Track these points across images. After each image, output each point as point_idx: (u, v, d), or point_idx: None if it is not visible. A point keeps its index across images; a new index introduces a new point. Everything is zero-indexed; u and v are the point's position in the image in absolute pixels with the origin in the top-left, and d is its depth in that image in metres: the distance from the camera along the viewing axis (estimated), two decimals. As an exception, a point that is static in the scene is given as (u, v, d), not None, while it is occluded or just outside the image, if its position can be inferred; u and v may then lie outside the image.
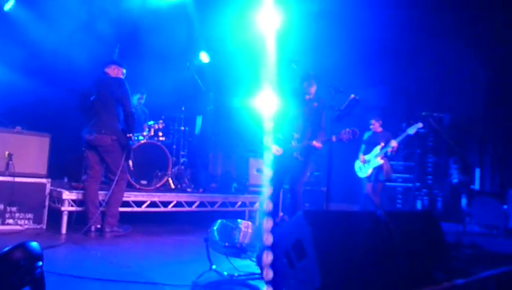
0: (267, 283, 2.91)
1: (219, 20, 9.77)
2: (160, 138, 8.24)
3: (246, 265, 4.17)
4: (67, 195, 6.11)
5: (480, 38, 9.78)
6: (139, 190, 7.23)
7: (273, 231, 2.97)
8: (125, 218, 6.41)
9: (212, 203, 7.65)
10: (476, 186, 10.06)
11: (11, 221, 5.86)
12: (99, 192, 6.21)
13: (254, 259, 3.95)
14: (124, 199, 6.43)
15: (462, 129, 10.33)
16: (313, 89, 6.39)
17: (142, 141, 7.72)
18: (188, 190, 8.14)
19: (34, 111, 7.90)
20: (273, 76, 3.02)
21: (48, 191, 6.18)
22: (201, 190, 8.17)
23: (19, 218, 5.92)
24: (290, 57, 6.33)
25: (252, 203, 8.19)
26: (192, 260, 4.80)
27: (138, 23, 9.29)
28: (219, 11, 9.75)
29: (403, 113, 10.39)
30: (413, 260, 3.63)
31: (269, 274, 2.88)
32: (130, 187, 7.09)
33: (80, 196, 6.19)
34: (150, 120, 8.49)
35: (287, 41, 6.46)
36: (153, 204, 6.98)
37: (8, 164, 5.91)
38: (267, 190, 3.03)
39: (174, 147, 8.81)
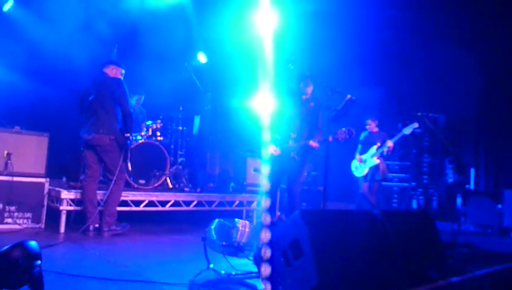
0: (265, 280, 2.94)
1: (217, 21, 9.78)
2: (158, 138, 8.23)
3: (243, 264, 4.17)
4: (65, 194, 6.12)
5: (475, 39, 9.83)
6: (137, 190, 7.24)
7: (270, 230, 3.01)
8: (124, 217, 6.40)
9: (210, 203, 7.66)
10: (471, 186, 10.10)
11: (9, 220, 5.87)
12: (98, 191, 6.22)
13: (251, 258, 3.96)
14: (122, 198, 6.45)
15: (457, 129, 10.36)
16: (310, 89, 6.41)
17: (140, 141, 7.72)
18: (186, 189, 8.17)
19: (32, 111, 7.93)
20: (270, 76, 3.05)
21: (46, 190, 6.19)
22: (199, 190, 8.19)
23: (17, 217, 5.93)
24: (287, 57, 6.33)
25: (250, 203, 8.19)
26: (190, 259, 4.83)
27: (137, 23, 9.28)
28: (217, 12, 9.77)
29: (398, 113, 10.44)
30: (409, 258, 3.66)
31: (267, 271, 2.90)
32: (128, 187, 7.09)
33: (78, 196, 6.19)
34: (148, 120, 8.50)
35: (284, 41, 6.48)
36: (151, 203, 6.99)
37: (6, 164, 5.92)
38: (265, 187, 3.07)
39: (172, 146, 8.84)
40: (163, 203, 7.15)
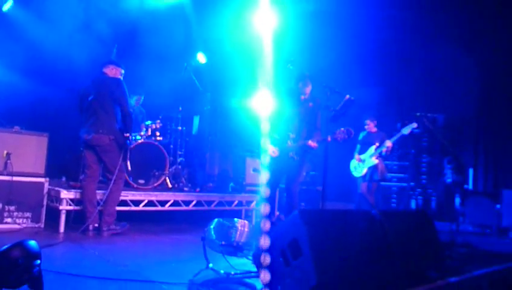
0: (263, 280, 2.94)
1: (216, 21, 9.79)
2: (158, 138, 8.24)
3: (243, 263, 4.18)
4: (65, 194, 6.13)
5: (474, 40, 9.84)
6: (136, 189, 7.24)
7: (269, 230, 3.01)
8: (123, 217, 6.41)
9: (209, 203, 7.67)
10: (470, 186, 10.12)
11: (9, 220, 5.88)
12: (97, 191, 6.23)
13: (250, 257, 3.97)
14: (122, 198, 6.45)
15: (456, 129, 10.37)
16: (308, 89, 6.42)
17: (140, 141, 7.72)
18: (185, 189, 8.18)
19: (32, 111, 7.94)
20: (270, 76, 3.05)
21: (46, 190, 6.20)
22: (198, 189, 8.20)
23: (17, 217, 5.94)
24: (286, 57, 6.34)
25: (249, 203, 8.20)
26: (189, 259, 4.83)
27: (136, 23, 9.29)
28: (216, 12, 9.78)
29: (397, 113, 10.45)
30: (408, 258, 3.66)
31: (266, 276, 2.91)
32: (128, 186, 7.10)
33: (78, 195, 6.20)
34: (147, 120, 8.51)
35: (283, 42, 6.49)
36: (150, 203, 7.00)
37: (6, 163, 5.93)
38: (264, 192, 3.06)
39: (172, 146, 8.84)
40: (163, 203, 7.16)
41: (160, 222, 7.44)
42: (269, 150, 5.95)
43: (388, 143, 8.23)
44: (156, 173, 7.81)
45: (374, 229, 3.57)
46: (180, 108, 8.91)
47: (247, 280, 3.93)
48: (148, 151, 7.77)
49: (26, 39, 8.33)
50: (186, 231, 7.02)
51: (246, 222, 4.21)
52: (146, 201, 6.95)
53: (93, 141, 5.97)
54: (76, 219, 6.11)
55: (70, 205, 6.18)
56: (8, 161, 5.94)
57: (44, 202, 6.19)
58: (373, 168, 8.43)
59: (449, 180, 9.50)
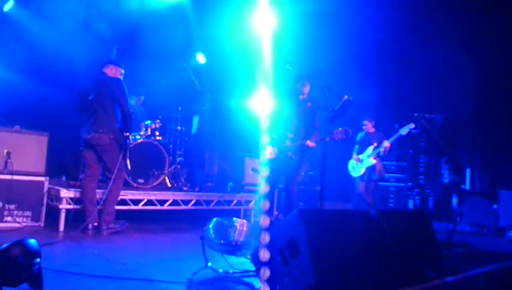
0: (262, 278, 2.96)
1: (216, 21, 9.80)
2: (157, 138, 8.27)
3: (241, 262, 4.19)
4: (65, 193, 6.15)
5: (472, 40, 9.86)
6: (136, 189, 7.27)
7: (268, 228, 3.03)
8: (122, 216, 6.42)
9: (208, 202, 7.70)
10: (467, 186, 10.13)
11: (9, 218, 5.90)
12: (97, 190, 6.25)
13: (249, 257, 3.98)
14: (121, 197, 6.48)
15: (453, 130, 10.38)
16: (307, 89, 6.45)
17: (139, 140, 7.74)
18: (184, 188, 8.20)
19: (32, 110, 7.95)
20: (269, 77, 3.06)
21: (46, 189, 6.22)
22: (197, 189, 8.21)
23: (17, 215, 5.96)
24: (285, 58, 6.36)
25: (247, 202, 8.24)
26: (188, 258, 4.84)
27: (136, 24, 9.31)
28: (216, 13, 9.79)
29: (395, 114, 10.45)
30: (405, 258, 3.67)
31: (266, 273, 2.93)
32: (127, 186, 7.12)
33: (78, 194, 6.22)
34: (146, 120, 8.53)
35: (282, 42, 6.51)
36: (149, 202, 7.03)
37: (6, 162, 5.96)
38: (263, 189, 3.07)
39: (171, 146, 8.87)
40: (162, 202, 7.18)
41: (160, 221, 7.45)
42: (267, 151, 5.96)
43: (386, 143, 8.25)
44: (156, 173, 7.83)
45: (371, 229, 3.57)
46: (180, 108, 8.93)
47: (246, 279, 3.94)
48: (147, 150, 7.79)
49: (26, 39, 8.36)
50: (185, 230, 7.03)
51: (245, 221, 4.20)
52: (145, 200, 6.97)
53: (93, 140, 6.00)
54: (76, 218, 6.13)
55: (70, 204, 6.20)
56: (9, 160, 5.97)
57: (44, 201, 6.21)
58: (371, 168, 8.45)
59: (446, 180, 9.51)
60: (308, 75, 6.51)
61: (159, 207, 7.14)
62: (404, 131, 8.25)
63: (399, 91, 10.86)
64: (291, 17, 8.70)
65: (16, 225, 5.94)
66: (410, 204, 10.16)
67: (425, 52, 10.39)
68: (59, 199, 6.16)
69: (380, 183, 9.32)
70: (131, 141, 6.76)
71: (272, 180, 6.19)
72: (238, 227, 4.10)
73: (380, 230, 3.59)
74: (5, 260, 3.00)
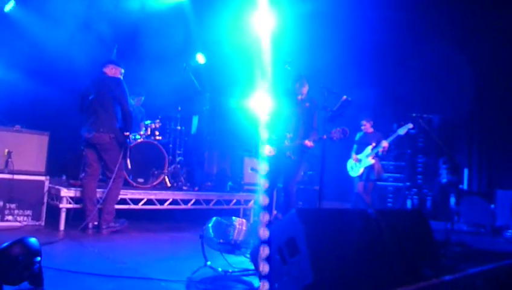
0: (262, 277, 2.98)
1: (215, 22, 9.81)
2: (157, 137, 8.27)
3: (240, 261, 4.23)
4: (65, 192, 6.17)
5: (469, 40, 9.87)
6: (135, 188, 7.29)
7: (267, 226, 3.05)
8: (122, 215, 6.43)
9: (208, 201, 7.72)
10: (465, 186, 10.13)
11: (10, 217, 5.93)
12: (97, 190, 6.28)
13: (248, 255, 3.99)
14: (121, 196, 6.49)
15: (451, 130, 10.40)
16: (305, 90, 6.48)
17: (139, 140, 7.75)
18: (184, 188, 8.22)
19: (33, 110, 7.96)
20: (268, 77, 3.08)
21: (46, 188, 6.25)
22: (197, 188, 8.23)
23: (18, 215, 5.99)
24: (284, 58, 6.38)
25: (247, 201, 8.25)
26: (187, 257, 4.85)
27: (136, 24, 9.31)
28: (215, 14, 9.80)
29: (393, 114, 10.47)
30: (403, 257, 3.68)
31: (265, 269, 2.95)
32: (127, 185, 7.13)
33: (78, 194, 6.25)
34: (146, 119, 8.53)
35: (281, 43, 6.54)
36: (149, 202, 7.05)
37: (7, 162, 5.99)
38: (263, 185, 3.09)
39: (171, 146, 8.89)
40: (162, 201, 7.20)
41: (159, 220, 7.47)
42: (266, 149, 5.99)
43: (384, 143, 8.26)
44: (155, 172, 7.84)
45: (370, 228, 3.58)
46: (179, 108, 8.94)
47: (245, 278, 3.96)
48: (147, 150, 7.80)
49: (27, 39, 8.36)
50: (185, 229, 7.04)
51: (244, 220, 4.21)
52: (145, 200, 6.99)
53: (94, 139, 6.02)
54: (76, 217, 6.15)
55: (70, 203, 6.23)
56: (9, 160, 6.00)
57: (45, 200, 6.23)
58: (369, 168, 8.47)
59: (444, 180, 9.53)
60: (307, 75, 6.54)
61: (158, 206, 7.16)
62: (402, 131, 8.26)
63: (397, 91, 10.87)
64: (290, 18, 8.73)
65: (17, 224, 5.96)
66: (408, 204, 10.18)
67: (423, 52, 10.39)
68: (59, 198, 6.18)
69: (379, 183, 9.34)
70: (131, 141, 6.78)
71: (271, 180, 6.26)
72: (238, 226, 4.11)
73: (378, 229, 3.60)
74: (6, 258, 3.03)
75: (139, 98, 8.84)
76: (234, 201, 8.08)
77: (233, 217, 4.24)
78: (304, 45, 9.54)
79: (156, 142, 7.97)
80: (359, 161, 8.58)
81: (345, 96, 5.98)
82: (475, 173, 10.37)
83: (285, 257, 3.19)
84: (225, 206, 7.92)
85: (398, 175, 10.45)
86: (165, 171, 7.97)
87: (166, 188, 7.90)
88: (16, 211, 5.99)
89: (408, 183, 10.33)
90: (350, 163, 8.82)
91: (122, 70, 6.48)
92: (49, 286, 3.26)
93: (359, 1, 9.93)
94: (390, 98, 10.92)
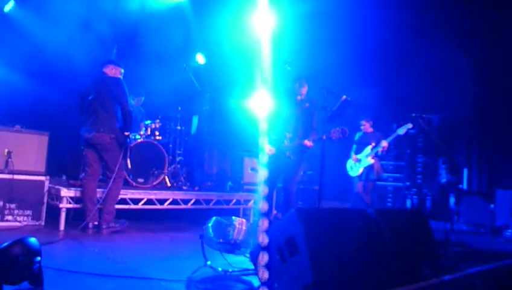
0: (261, 280, 2.98)
1: (215, 22, 9.82)
2: (157, 137, 8.28)
3: (240, 261, 4.23)
4: (65, 192, 6.18)
5: (469, 41, 9.88)
6: (135, 188, 7.29)
7: (267, 228, 3.06)
8: (122, 215, 6.44)
9: (208, 201, 7.72)
10: (464, 186, 10.14)
11: (10, 217, 5.93)
12: (97, 189, 6.29)
13: (248, 255, 4.00)
14: (121, 196, 6.50)
15: (450, 130, 10.41)
16: (304, 90, 6.48)
17: (139, 140, 7.76)
18: (184, 188, 8.22)
19: (33, 110, 7.98)
20: (268, 77, 3.08)
21: (46, 188, 6.25)
22: (196, 188, 8.23)
23: (17, 215, 5.99)
24: (284, 58, 6.39)
25: (247, 201, 8.26)
26: (187, 256, 4.86)
27: (136, 24, 9.32)
28: (215, 14, 9.81)
29: (393, 114, 10.45)
30: (403, 256, 3.68)
31: (265, 274, 2.95)
32: (127, 185, 7.13)
33: (78, 193, 6.25)
34: (146, 120, 8.54)
35: (281, 43, 6.55)
36: (149, 202, 7.05)
37: (7, 162, 5.99)
38: (262, 190, 3.09)
39: (171, 146, 8.89)
40: (162, 201, 7.21)
41: (159, 220, 7.47)
42: (266, 148, 5.99)
43: (384, 143, 8.27)
44: (155, 172, 7.85)
45: (369, 227, 3.59)
46: (179, 108, 8.95)
47: (245, 277, 3.97)
48: (147, 150, 7.81)
49: (27, 39, 8.37)
50: (185, 229, 7.05)
51: (244, 220, 4.22)
52: (145, 200, 6.99)
53: (94, 139, 6.02)
54: (76, 217, 6.15)
55: (70, 203, 6.23)
56: (9, 160, 6.00)
57: (45, 200, 6.24)
58: (369, 168, 8.48)
59: (444, 180, 9.53)
60: (306, 75, 6.54)
61: (158, 206, 7.17)
62: (402, 131, 8.28)
63: (397, 91, 10.87)
64: (290, 18, 8.73)
65: (17, 224, 5.96)
66: (408, 203, 10.19)
67: (423, 52, 10.41)
68: (59, 198, 6.19)
69: (378, 182, 9.35)
70: (131, 141, 6.79)
71: (270, 180, 6.24)
72: (237, 226, 4.12)
73: (378, 229, 3.60)
74: (6, 258, 3.03)
75: (139, 98, 8.85)
76: (234, 201, 8.09)
77: (233, 217, 4.25)
78: (303, 45, 9.56)
79: (156, 142, 7.97)
80: (359, 160, 8.59)
81: (344, 96, 5.99)
82: (475, 173, 10.38)
83: (284, 257, 3.19)
84: (225, 206, 7.93)
85: (398, 175, 10.46)
86: (165, 171, 7.98)
87: (166, 188, 7.90)
88: (16, 211, 5.99)
89: (408, 183, 10.34)
90: (350, 163, 8.83)
91: (122, 70, 6.49)
92: (49, 285, 3.26)
93: (359, 1, 9.93)
94: (390, 98, 10.92)
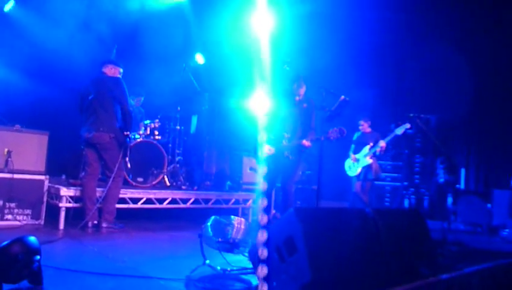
0: (259, 276, 3.00)
1: (214, 22, 9.83)
2: (156, 137, 8.29)
3: (239, 260, 4.23)
4: (65, 192, 6.19)
5: (467, 41, 9.90)
6: (135, 187, 7.31)
7: (266, 225, 3.08)
8: (122, 214, 6.47)
9: (207, 201, 7.74)
10: (462, 185, 10.18)
11: (10, 217, 5.95)
12: (97, 189, 6.31)
13: (246, 254, 4.02)
14: (121, 195, 6.52)
15: (448, 130, 10.43)
16: (302, 91, 6.48)
17: (139, 140, 7.78)
18: (183, 187, 8.24)
19: (32, 110, 7.99)
20: (267, 77, 3.10)
21: (46, 187, 6.27)
22: (196, 188, 8.25)
23: (17, 214, 6.01)
24: (283, 58, 6.40)
25: (245, 201, 8.28)
26: (186, 255, 4.85)
27: (136, 25, 9.32)
28: (215, 14, 9.82)
29: (391, 114, 10.49)
30: (400, 255, 3.69)
31: (264, 270, 2.97)
32: (127, 184, 7.15)
33: (77, 193, 6.27)
34: (146, 119, 8.56)
35: (280, 43, 6.57)
36: (148, 201, 7.07)
37: (7, 161, 6.02)
38: (261, 187, 3.10)
39: (170, 145, 8.89)
40: (161, 200, 7.22)
41: (158, 219, 7.48)
42: (265, 148, 6.00)
43: (382, 143, 8.29)
44: (155, 172, 7.87)
45: (367, 227, 3.60)
46: (179, 108, 8.96)
47: (243, 276, 3.97)
48: (146, 150, 7.82)
49: (27, 39, 8.37)
50: (184, 228, 7.06)
51: (243, 219, 4.22)
52: (144, 199, 7.01)
53: (94, 139, 6.05)
54: (75, 216, 6.18)
55: (69, 202, 6.25)
56: (9, 159, 6.03)
57: (45, 199, 6.26)
58: (367, 168, 8.50)
59: (441, 180, 9.54)
60: (305, 76, 6.56)
61: (158, 206, 7.18)
62: (399, 131, 8.29)
63: (395, 92, 10.90)
64: (289, 19, 8.74)
65: (16, 223, 5.98)
66: (406, 203, 10.21)
67: (421, 53, 10.43)
68: (59, 198, 6.20)
69: (376, 182, 9.37)
70: (131, 140, 6.81)
71: (269, 180, 6.26)
72: (236, 225, 4.12)
73: (376, 228, 3.61)
74: (6, 257, 3.04)
75: (139, 98, 8.87)
76: (233, 200, 8.10)
77: (232, 216, 4.25)
78: (302, 46, 9.56)
79: (155, 142, 7.99)
80: (357, 160, 8.61)
81: (343, 96, 6.01)
82: (472, 173, 10.41)
83: (283, 256, 3.20)
84: (224, 206, 7.95)
85: (396, 175, 10.49)
86: (165, 170, 7.99)
87: (166, 188, 7.92)
88: (16, 210, 6.01)
89: (405, 183, 10.36)
90: (348, 163, 8.85)
91: (121, 70, 6.51)
92: (49, 284, 3.27)
93: (358, 2, 9.95)
94: (388, 98, 10.95)
